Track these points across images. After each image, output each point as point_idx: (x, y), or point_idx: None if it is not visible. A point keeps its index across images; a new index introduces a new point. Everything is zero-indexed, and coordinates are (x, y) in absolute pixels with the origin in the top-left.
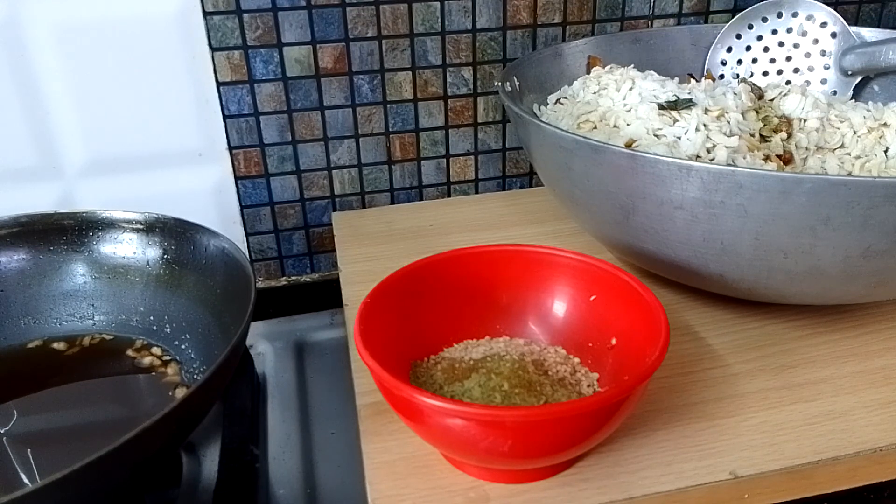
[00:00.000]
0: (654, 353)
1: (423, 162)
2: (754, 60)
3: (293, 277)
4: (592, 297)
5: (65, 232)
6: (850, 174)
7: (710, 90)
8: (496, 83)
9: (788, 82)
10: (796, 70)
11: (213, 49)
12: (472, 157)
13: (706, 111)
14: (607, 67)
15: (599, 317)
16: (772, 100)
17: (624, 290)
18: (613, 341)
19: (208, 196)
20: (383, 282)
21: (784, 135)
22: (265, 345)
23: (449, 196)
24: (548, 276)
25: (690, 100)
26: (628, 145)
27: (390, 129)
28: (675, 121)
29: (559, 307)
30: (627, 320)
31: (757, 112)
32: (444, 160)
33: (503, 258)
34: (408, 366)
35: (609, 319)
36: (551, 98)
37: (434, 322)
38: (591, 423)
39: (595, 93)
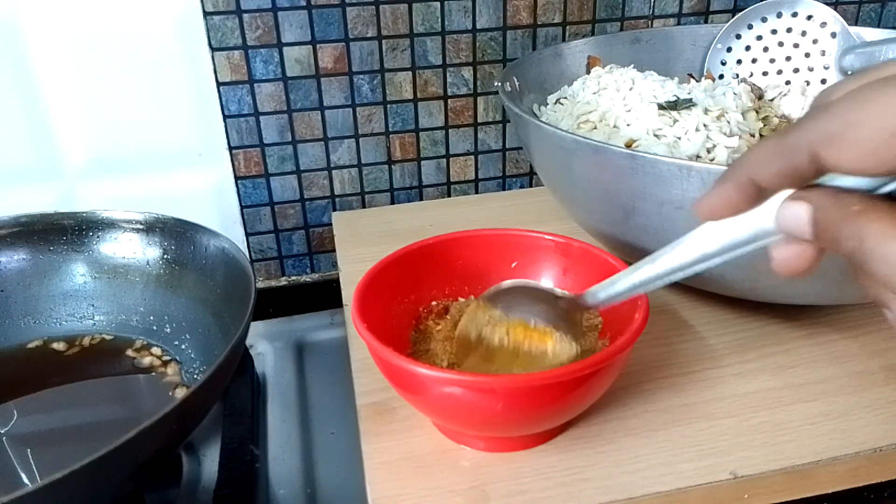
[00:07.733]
0: (637, 322)
1: (423, 162)
2: (754, 60)
3: (293, 277)
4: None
5: (65, 232)
6: None
7: (710, 90)
8: (496, 83)
9: (788, 82)
10: (796, 70)
11: (213, 49)
12: (472, 157)
13: (706, 111)
14: (607, 67)
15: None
16: (772, 100)
17: (600, 265)
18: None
19: (208, 196)
20: (377, 265)
21: None
22: (265, 345)
23: (449, 196)
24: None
25: (690, 100)
26: (628, 145)
27: (390, 129)
28: (675, 121)
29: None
30: None
31: (757, 112)
32: (444, 160)
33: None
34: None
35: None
36: (551, 98)
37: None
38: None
39: (595, 93)
